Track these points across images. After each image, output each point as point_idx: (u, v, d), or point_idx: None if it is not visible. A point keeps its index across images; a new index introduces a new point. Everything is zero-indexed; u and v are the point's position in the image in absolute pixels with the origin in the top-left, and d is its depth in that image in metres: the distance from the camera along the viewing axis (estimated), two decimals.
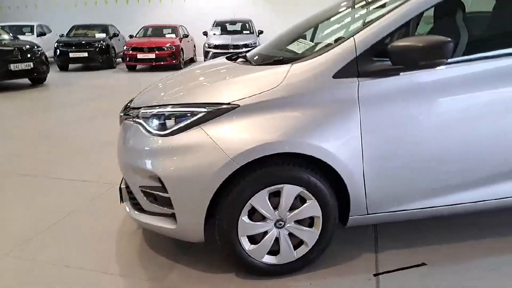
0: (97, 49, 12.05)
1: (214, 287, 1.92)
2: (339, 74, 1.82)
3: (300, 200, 1.90)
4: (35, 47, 8.83)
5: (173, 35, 12.46)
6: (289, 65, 1.90)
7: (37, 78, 8.91)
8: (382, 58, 1.83)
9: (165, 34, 12.67)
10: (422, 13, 1.93)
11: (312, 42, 2.67)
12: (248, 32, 12.03)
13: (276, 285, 1.91)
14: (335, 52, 1.85)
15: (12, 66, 8.02)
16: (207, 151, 1.76)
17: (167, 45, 11.61)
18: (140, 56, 11.48)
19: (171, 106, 1.90)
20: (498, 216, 2.45)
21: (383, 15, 1.88)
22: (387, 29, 1.83)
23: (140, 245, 2.30)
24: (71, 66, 12.43)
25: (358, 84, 1.83)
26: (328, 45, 1.98)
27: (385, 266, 2.04)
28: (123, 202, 2.19)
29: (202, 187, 1.77)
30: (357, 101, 1.82)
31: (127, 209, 2.13)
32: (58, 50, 11.88)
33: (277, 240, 1.92)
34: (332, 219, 1.94)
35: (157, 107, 1.94)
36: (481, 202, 2.04)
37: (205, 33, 12.14)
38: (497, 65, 1.92)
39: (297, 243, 1.96)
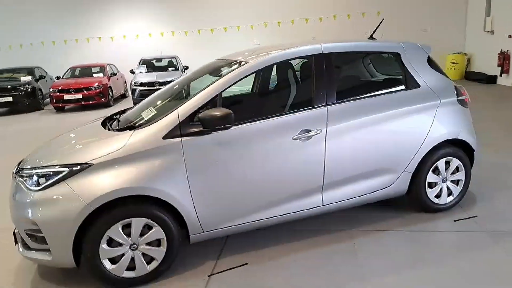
0: (23, 93, 12.16)
1: None
2: (167, 136, 2.60)
3: (148, 228, 2.61)
4: None
5: (101, 74, 12.89)
6: (132, 131, 2.64)
7: None
8: (197, 122, 2.64)
9: (93, 73, 13.07)
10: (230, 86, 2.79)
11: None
12: (173, 68, 12.70)
13: None
14: (164, 120, 2.64)
15: None
16: (70, 200, 2.43)
17: (95, 84, 12.01)
18: (67, 97, 11.76)
19: (43, 167, 2.56)
20: (302, 223, 3.33)
21: (200, 91, 2.72)
22: (199, 103, 2.66)
23: (34, 279, 2.86)
24: None
25: (182, 142, 2.61)
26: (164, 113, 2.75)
27: (220, 268, 2.80)
28: (17, 244, 2.77)
29: (67, 227, 2.43)
30: (182, 154, 2.60)
31: (20, 249, 2.71)
32: None
33: (133, 259, 2.60)
34: (175, 239, 2.67)
35: (34, 169, 2.59)
36: (286, 215, 2.91)
37: (132, 71, 12.68)
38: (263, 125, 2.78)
39: (150, 259, 2.66)
